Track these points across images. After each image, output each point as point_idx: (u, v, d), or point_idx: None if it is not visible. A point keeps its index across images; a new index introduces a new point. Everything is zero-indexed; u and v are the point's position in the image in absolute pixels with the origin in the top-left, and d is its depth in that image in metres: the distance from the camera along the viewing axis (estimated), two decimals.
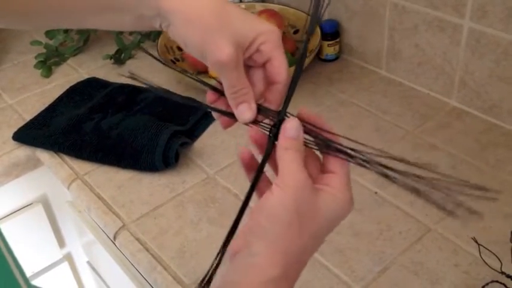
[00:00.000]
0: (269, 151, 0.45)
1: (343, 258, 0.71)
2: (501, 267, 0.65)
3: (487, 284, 0.65)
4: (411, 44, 0.98)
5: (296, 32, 1.14)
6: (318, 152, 0.45)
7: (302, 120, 0.44)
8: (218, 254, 0.43)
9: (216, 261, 0.43)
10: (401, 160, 0.41)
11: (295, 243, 0.40)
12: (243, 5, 1.19)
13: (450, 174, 0.39)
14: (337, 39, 1.09)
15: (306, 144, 0.44)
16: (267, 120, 0.46)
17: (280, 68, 0.47)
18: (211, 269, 0.43)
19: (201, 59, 0.47)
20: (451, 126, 0.91)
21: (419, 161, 0.86)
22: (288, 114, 0.45)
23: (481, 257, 0.67)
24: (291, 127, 0.43)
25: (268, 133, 0.45)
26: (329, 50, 1.10)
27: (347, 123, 0.94)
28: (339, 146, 0.43)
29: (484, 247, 0.68)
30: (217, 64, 0.45)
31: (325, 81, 1.06)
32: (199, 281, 0.43)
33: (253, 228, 0.41)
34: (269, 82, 0.48)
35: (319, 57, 1.11)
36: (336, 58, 1.12)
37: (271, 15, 1.07)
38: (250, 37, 0.46)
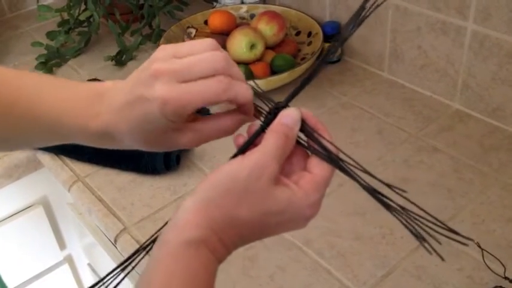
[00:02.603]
0: (256, 134, 0.42)
1: (345, 262, 0.70)
2: (504, 272, 0.65)
3: None
4: (414, 46, 0.98)
5: (298, 33, 1.13)
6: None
7: (303, 119, 0.42)
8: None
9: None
10: (380, 181, 0.40)
11: (227, 211, 0.38)
12: (245, 7, 1.19)
13: (430, 212, 0.38)
14: None
15: (297, 141, 0.42)
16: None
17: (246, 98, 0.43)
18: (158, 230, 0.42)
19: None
20: (454, 129, 0.91)
21: (421, 165, 0.85)
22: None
23: (485, 262, 0.67)
24: (287, 114, 0.41)
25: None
26: None
27: (349, 125, 0.94)
28: (328, 148, 0.41)
29: (488, 252, 0.67)
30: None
31: (327, 83, 1.05)
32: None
33: (195, 189, 0.40)
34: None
35: None
36: (338, 60, 1.12)
37: (273, 17, 1.07)
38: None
